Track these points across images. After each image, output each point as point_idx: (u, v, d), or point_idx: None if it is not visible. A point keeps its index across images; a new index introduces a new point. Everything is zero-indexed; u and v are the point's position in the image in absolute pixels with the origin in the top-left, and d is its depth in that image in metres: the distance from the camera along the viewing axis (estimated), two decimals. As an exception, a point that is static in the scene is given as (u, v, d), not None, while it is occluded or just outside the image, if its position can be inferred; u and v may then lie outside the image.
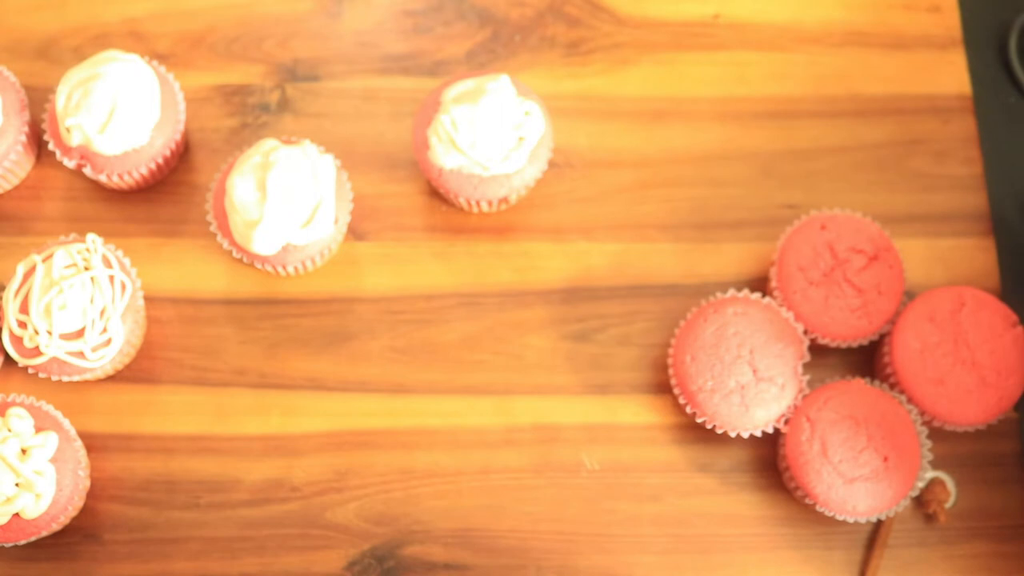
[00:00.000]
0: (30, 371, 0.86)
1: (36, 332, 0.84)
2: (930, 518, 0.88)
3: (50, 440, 0.81)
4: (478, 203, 0.91)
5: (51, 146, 0.90)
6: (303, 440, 0.89)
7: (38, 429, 0.82)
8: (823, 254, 0.88)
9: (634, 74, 0.98)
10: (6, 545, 0.82)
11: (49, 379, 0.86)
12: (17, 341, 0.85)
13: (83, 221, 0.93)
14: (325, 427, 0.89)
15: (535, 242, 0.94)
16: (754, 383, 0.85)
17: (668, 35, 0.99)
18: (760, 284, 0.92)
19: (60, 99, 0.88)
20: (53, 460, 0.81)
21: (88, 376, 0.86)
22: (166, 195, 0.94)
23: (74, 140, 0.88)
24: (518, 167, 0.89)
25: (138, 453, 0.88)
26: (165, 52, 0.97)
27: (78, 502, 0.84)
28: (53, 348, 0.83)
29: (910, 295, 0.90)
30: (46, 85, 0.95)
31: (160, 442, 0.88)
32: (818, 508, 0.85)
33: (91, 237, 0.86)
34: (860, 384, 0.86)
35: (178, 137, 0.91)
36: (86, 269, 0.85)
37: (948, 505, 0.88)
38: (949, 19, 1.00)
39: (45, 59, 0.97)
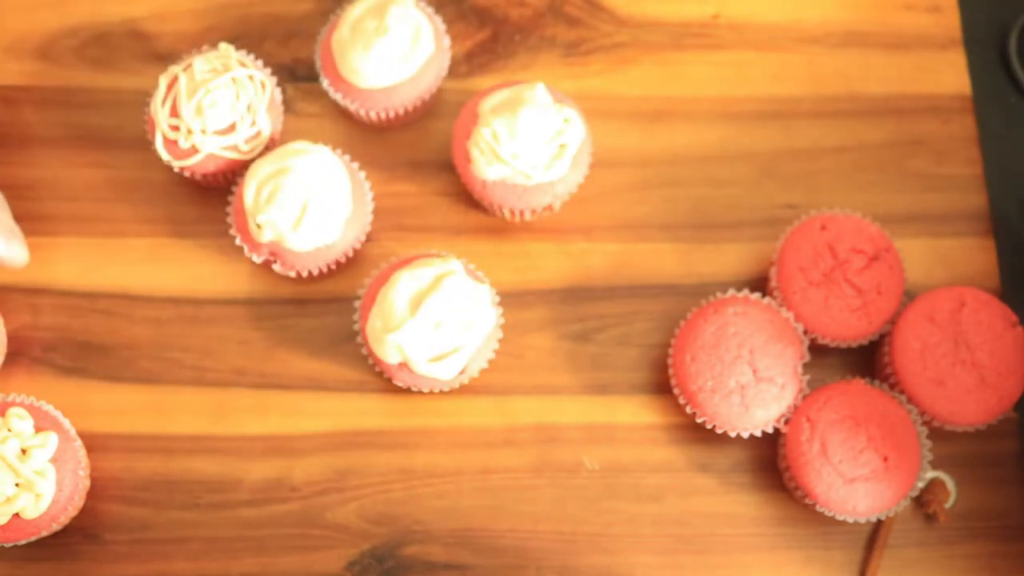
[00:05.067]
0: (186, 174, 0.90)
1: (190, 132, 0.88)
2: (930, 518, 0.88)
3: (50, 440, 0.81)
4: (522, 213, 0.91)
5: (238, 241, 0.89)
6: (303, 440, 0.89)
7: (38, 429, 0.82)
8: (823, 254, 0.88)
9: (634, 74, 0.98)
10: (6, 545, 0.82)
11: (49, 379, 0.86)
12: (171, 145, 0.89)
13: (84, 221, 0.93)
14: (325, 427, 0.89)
15: (535, 242, 0.94)
16: (754, 383, 0.85)
17: (668, 35, 0.99)
18: (760, 284, 0.92)
19: (248, 193, 0.87)
20: (53, 460, 0.82)
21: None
22: (165, 195, 0.94)
23: (265, 236, 0.87)
24: (561, 175, 0.89)
25: (138, 453, 0.88)
26: (165, 52, 0.97)
27: (78, 502, 0.84)
28: (208, 144, 0.88)
29: (910, 295, 0.90)
30: (46, 85, 0.95)
31: (160, 442, 0.88)
32: (818, 508, 0.85)
33: (223, 44, 0.91)
34: (860, 384, 0.86)
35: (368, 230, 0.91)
36: (226, 71, 0.88)
37: (948, 505, 0.88)
38: (949, 19, 1.00)
39: (45, 59, 0.97)
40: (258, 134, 0.89)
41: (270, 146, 0.91)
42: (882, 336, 0.89)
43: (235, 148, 0.89)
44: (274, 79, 0.92)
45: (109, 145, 0.94)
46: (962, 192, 0.95)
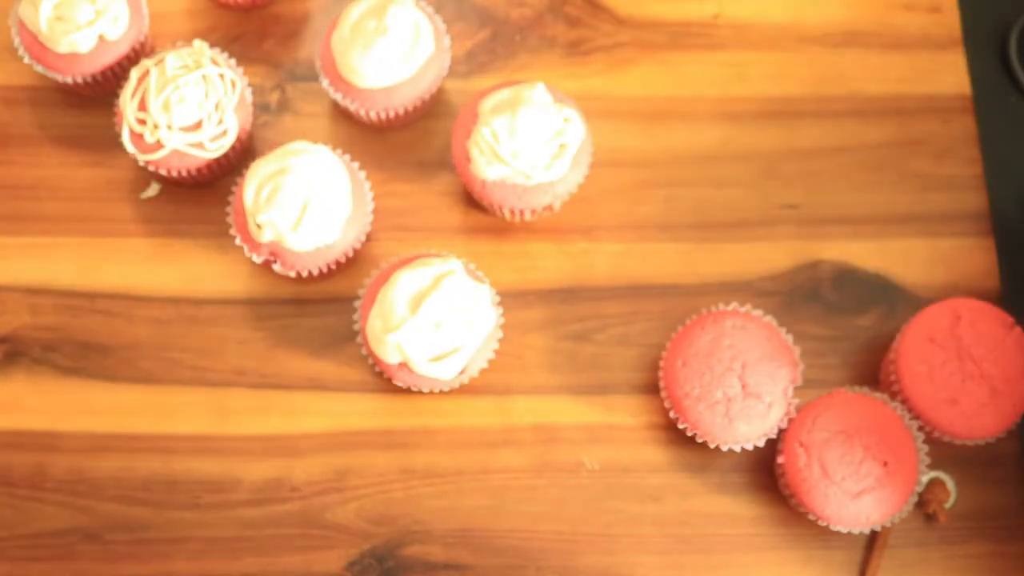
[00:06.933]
0: (151, 168, 0.89)
1: (156, 127, 0.88)
2: (930, 518, 0.88)
3: None
4: (522, 212, 0.91)
5: (238, 241, 0.89)
6: (303, 440, 0.89)
7: None
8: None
9: (634, 74, 0.98)
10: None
11: (49, 379, 0.86)
12: (137, 138, 0.89)
13: (84, 221, 0.93)
14: (325, 427, 0.89)
15: (535, 242, 0.94)
16: (741, 397, 0.84)
17: (668, 35, 0.99)
18: (760, 284, 0.92)
19: (248, 194, 0.87)
20: None
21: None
22: (165, 196, 0.94)
23: (265, 236, 0.87)
24: (561, 174, 0.89)
25: (138, 453, 0.88)
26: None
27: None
28: (174, 140, 0.87)
29: (910, 295, 0.89)
30: (46, 84, 0.95)
31: (160, 442, 0.88)
32: (832, 528, 0.84)
33: (197, 41, 0.91)
34: (842, 395, 0.85)
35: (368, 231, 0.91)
36: (197, 68, 0.88)
37: (948, 505, 0.88)
38: (949, 19, 1.00)
39: (45, 59, 0.97)
40: (224, 133, 0.90)
41: (236, 146, 0.91)
42: (887, 362, 0.88)
43: (200, 145, 0.89)
44: (245, 79, 0.92)
45: (109, 145, 0.94)
46: (962, 192, 0.95)
